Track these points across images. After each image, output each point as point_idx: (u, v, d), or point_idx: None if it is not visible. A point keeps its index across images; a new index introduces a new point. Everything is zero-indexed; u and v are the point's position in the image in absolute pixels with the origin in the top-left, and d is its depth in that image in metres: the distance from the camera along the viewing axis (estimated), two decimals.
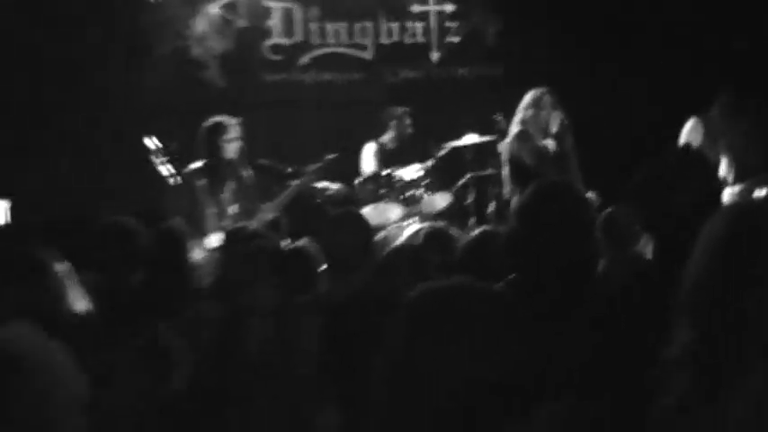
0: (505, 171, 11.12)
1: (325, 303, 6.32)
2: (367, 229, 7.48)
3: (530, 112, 10.86)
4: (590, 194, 10.47)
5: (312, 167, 11.22)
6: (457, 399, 3.11)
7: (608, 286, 5.03)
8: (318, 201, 11.49)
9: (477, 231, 7.57)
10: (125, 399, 5.94)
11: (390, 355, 3.27)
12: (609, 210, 7.65)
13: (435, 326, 3.19)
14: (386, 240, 10.30)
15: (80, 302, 7.03)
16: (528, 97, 10.96)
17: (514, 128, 10.94)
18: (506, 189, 11.17)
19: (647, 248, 7.54)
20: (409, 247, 8.19)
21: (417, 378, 3.14)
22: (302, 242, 7.84)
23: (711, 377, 3.04)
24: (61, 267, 6.95)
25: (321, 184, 11.44)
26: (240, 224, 9.06)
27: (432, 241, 7.68)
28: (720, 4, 13.27)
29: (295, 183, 11.12)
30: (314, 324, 5.96)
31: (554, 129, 10.89)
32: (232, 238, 7.56)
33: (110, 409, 5.70)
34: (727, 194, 8.38)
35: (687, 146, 9.85)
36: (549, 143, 10.87)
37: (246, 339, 5.69)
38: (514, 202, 10.14)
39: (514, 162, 10.94)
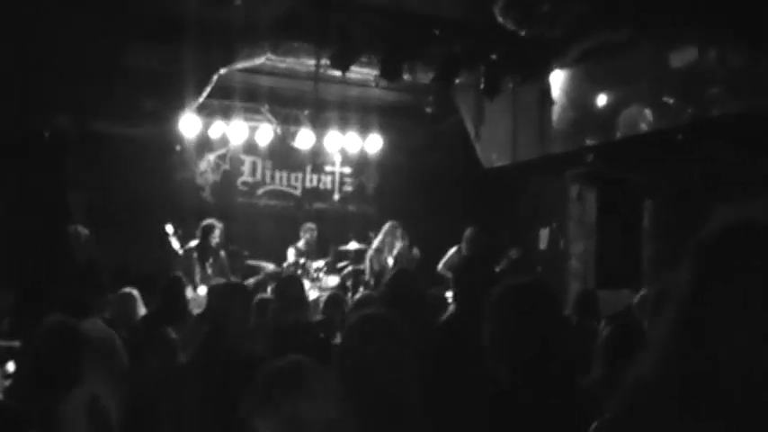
0: (367, 267, 12.18)
1: (275, 326, 6.49)
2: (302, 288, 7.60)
3: (386, 237, 11.98)
4: (416, 251, 11.93)
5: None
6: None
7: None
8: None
9: (363, 293, 9.00)
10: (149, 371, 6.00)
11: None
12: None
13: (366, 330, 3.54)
14: None
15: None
16: (386, 227, 12.10)
17: (375, 244, 12.05)
18: (367, 276, 12.09)
19: None
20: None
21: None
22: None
23: None
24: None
25: (265, 264, 12.26)
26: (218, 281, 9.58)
27: (330, 299, 8.96)
28: None
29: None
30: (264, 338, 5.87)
31: (395, 250, 11.90)
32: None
33: (139, 378, 5.96)
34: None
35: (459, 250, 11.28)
36: (390, 259, 11.88)
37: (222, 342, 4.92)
38: (372, 283, 11.65)
39: (371, 263, 12.03)
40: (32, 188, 10.21)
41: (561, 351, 3.20)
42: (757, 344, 1.67)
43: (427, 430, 3.41)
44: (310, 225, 12.94)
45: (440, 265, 11.61)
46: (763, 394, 1.66)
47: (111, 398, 5.18)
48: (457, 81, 11.04)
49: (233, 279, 10.71)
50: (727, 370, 1.68)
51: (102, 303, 6.34)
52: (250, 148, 14.11)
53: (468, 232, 11.52)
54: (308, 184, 14.89)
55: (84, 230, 10.64)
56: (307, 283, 11.38)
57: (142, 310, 7.88)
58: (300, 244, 12.68)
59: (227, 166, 14.25)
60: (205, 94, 10.83)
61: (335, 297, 8.82)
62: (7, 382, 6.13)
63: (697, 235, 1.80)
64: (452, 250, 11.69)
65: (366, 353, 3.53)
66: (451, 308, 5.86)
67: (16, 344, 7.01)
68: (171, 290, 7.40)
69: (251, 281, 11.44)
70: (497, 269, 10.37)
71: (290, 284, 7.48)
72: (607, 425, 2.01)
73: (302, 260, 12.33)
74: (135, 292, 7.93)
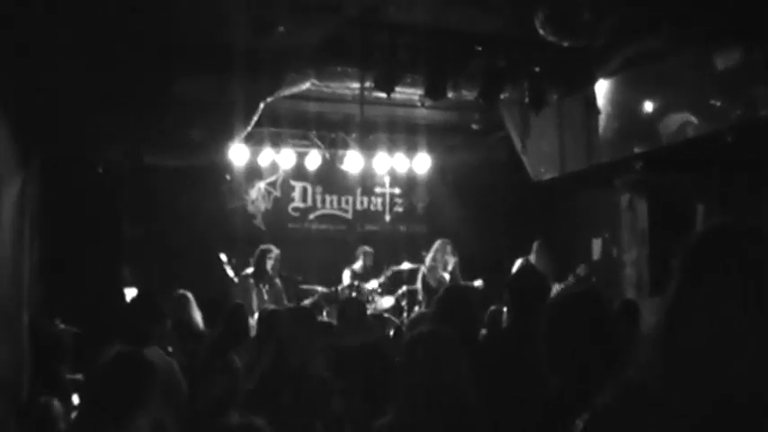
0: (420, 286, 12.04)
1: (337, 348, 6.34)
2: (363, 310, 7.73)
3: (438, 254, 11.93)
4: (479, 281, 11.81)
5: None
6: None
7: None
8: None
9: (417, 312, 9.10)
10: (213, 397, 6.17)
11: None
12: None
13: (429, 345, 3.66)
14: None
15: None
16: (437, 244, 12.05)
17: (428, 262, 11.96)
18: (421, 296, 11.96)
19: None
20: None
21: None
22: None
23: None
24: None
25: (319, 289, 12.22)
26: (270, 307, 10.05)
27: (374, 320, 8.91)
28: None
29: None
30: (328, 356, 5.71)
31: (449, 266, 11.88)
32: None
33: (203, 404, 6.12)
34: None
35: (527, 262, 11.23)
36: (446, 275, 11.81)
37: (287, 358, 5.01)
38: (426, 302, 11.41)
39: (424, 283, 11.90)
40: (88, 222, 10.32)
41: (613, 358, 3.17)
42: (725, 334, 1.79)
43: None
44: (368, 249, 13.02)
45: None
46: (732, 388, 1.76)
47: (173, 425, 5.23)
48: (502, 96, 11.02)
49: (288, 305, 10.66)
50: (696, 358, 1.81)
51: (161, 332, 6.36)
52: (299, 173, 14.22)
53: (536, 245, 11.51)
54: (358, 207, 14.96)
55: None
56: None
57: (197, 314, 8.13)
58: (357, 266, 12.76)
59: (277, 193, 14.37)
60: (253, 122, 10.88)
61: (378, 318, 8.79)
62: (73, 415, 6.22)
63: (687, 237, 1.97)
64: (519, 262, 11.63)
65: (417, 369, 3.63)
66: (507, 320, 5.86)
67: (80, 377, 7.10)
68: (235, 317, 7.43)
69: (306, 302, 11.43)
70: (564, 284, 10.32)
71: (350, 306, 7.51)
72: (597, 414, 2.08)
73: (356, 282, 12.30)
74: (189, 294, 8.16)
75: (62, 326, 8.64)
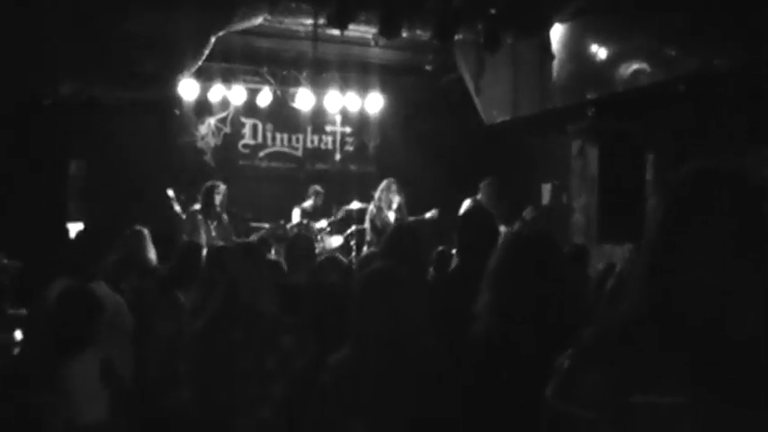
0: (368, 226, 12.00)
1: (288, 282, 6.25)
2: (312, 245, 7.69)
3: (383, 194, 11.87)
4: (433, 211, 11.87)
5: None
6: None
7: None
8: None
9: (366, 252, 9.04)
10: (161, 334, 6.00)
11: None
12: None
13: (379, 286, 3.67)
14: None
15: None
16: (382, 184, 11.98)
17: (374, 203, 11.91)
18: (369, 237, 11.90)
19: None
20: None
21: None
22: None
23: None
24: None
25: (268, 226, 12.17)
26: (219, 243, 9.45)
27: (327, 261, 8.92)
28: None
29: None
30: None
31: (394, 205, 11.83)
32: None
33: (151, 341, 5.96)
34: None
35: (476, 201, 11.10)
36: (391, 214, 11.79)
37: (238, 295, 4.83)
38: (374, 242, 11.42)
39: (372, 222, 11.85)
40: (34, 156, 10.17)
41: (559, 301, 3.24)
42: (711, 270, 1.82)
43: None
44: (319, 188, 12.92)
45: None
46: (717, 322, 1.80)
47: (120, 360, 5.21)
48: (456, 37, 10.98)
49: (236, 241, 10.61)
50: (684, 298, 1.83)
51: (105, 268, 6.26)
52: (250, 110, 14.10)
53: (483, 184, 11.50)
54: (308, 145, 14.91)
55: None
56: None
57: (152, 251, 7.97)
58: (307, 205, 12.69)
59: (227, 130, 14.26)
60: (204, 56, 10.75)
61: (332, 258, 8.75)
62: (15, 350, 6.17)
63: (669, 176, 1.97)
64: (467, 202, 11.58)
65: (372, 306, 3.64)
66: (455, 261, 5.90)
67: (23, 312, 7.02)
68: (188, 254, 7.15)
69: (253, 238, 11.28)
70: (511, 227, 10.30)
71: (299, 243, 7.42)
72: (580, 352, 2.09)
73: (306, 221, 12.28)
74: (144, 230, 7.97)
75: (6, 260, 8.54)
